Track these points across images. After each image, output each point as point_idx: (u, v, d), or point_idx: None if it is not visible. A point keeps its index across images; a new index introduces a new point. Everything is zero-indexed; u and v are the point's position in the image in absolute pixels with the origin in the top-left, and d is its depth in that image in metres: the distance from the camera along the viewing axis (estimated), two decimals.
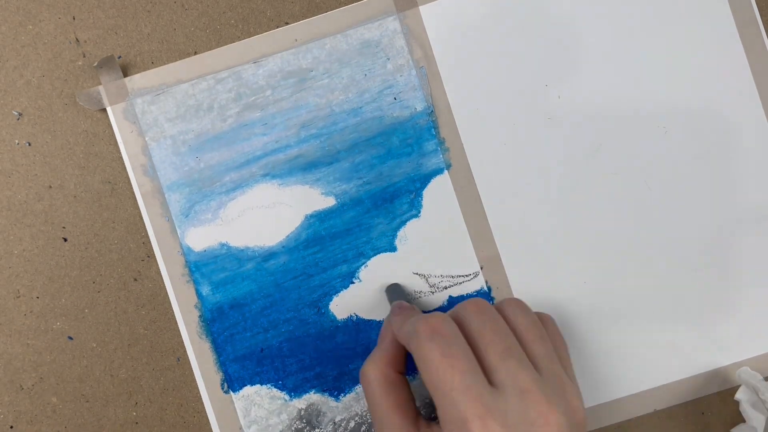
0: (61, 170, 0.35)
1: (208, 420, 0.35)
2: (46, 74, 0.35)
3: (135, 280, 0.36)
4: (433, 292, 0.35)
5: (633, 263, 0.36)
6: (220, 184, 0.35)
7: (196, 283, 0.35)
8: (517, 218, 0.36)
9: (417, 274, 0.36)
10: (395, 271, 0.35)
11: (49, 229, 0.35)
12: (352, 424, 0.35)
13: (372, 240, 0.35)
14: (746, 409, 0.34)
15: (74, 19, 0.35)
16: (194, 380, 0.36)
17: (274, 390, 0.35)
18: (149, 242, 0.35)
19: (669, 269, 0.36)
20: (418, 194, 0.36)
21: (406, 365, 0.31)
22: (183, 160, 0.35)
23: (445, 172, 0.36)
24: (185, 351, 0.35)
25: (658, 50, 0.36)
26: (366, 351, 0.35)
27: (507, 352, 0.26)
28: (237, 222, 0.35)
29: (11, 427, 0.36)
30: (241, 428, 0.35)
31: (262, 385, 0.35)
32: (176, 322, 0.35)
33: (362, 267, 0.35)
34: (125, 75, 0.35)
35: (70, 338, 0.35)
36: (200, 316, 0.35)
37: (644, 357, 0.36)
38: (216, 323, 0.35)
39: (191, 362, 0.35)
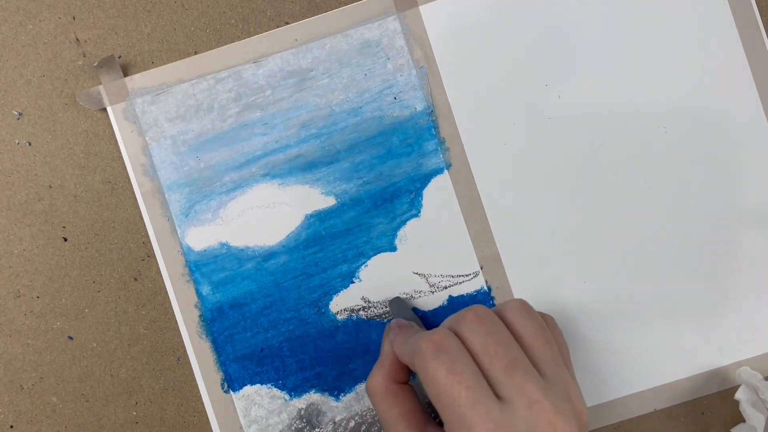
0: (61, 170, 0.35)
1: (208, 420, 0.35)
2: (46, 74, 0.35)
3: (135, 279, 0.36)
4: (433, 292, 0.35)
5: (633, 263, 0.36)
6: (220, 183, 0.35)
7: (196, 282, 0.35)
8: (517, 218, 0.36)
9: (417, 274, 0.36)
10: (395, 271, 0.35)
11: (49, 229, 0.35)
12: (352, 423, 0.35)
13: (372, 240, 0.35)
14: (746, 408, 0.34)
15: (74, 19, 0.35)
16: (194, 380, 0.36)
17: (274, 390, 0.35)
18: (149, 242, 0.35)
19: (669, 269, 0.36)
20: (418, 194, 0.36)
21: (409, 374, 0.31)
22: (183, 160, 0.35)
23: (445, 172, 0.36)
24: (185, 351, 0.35)
25: (658, 50, 0.36)
26: (366, 351, 0.35)
27: (512, 365, 0.26)
28: (237, 222, 0.35)
29: (11, 426, 0.36)
30: (241, 428, 0.35)
31: (262, 384, 0.35)
32: (176, 322, 0.35)
33: (362, 267, 0.35)
34: (125, 75, 0.35)
35: (70, 338, 0.35)
36: (200, 316, 0.35)
37: (644, 357, 0.36)
38: (216, 323, 0.35)
39: (191, 362, 0.35)
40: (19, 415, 0.35)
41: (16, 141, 0.35)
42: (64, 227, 0.35)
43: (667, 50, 0.36)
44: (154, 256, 0.35)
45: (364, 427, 0.35)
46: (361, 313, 0.35)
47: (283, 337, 0.35)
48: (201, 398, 0.36)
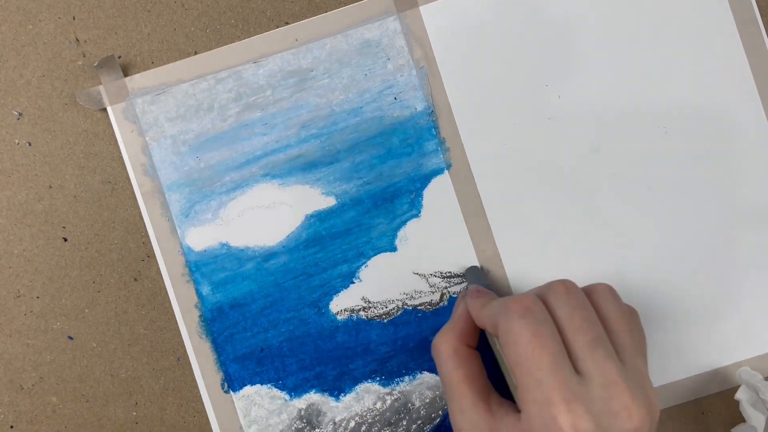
0: (61, 170, 0.35)
1: (208, 420, 0.35)
2: (46, 74, 0.35)
3: (135, 280, 0.36)
4: (433, 292, 0.35)
5: (633, 263, 0.36)
6: (220, 183, 0.35)
7: (196, 283, 0.35)
8: (517, 218, 0.36)
9: (417, 274, 0.36)
10: (395, 271, 0.35)
11: (49, 229, 0.35)
12: (352, 424, 0.35)
13: (372, 240, 0.35)
14: (746, 408, 0.34)
15: (74, 19, 0.35)
16: (194, 380, 0.36)
17: (274, 390, 0.35)
18: (149, 242, 0.35)
19: (669, 269, 0.36)
20: (419, 194, 0.36)
21: (478, 340, 0.31)
22: (183, 160, 0.35)
23: (445, 172, 0.36)
24: (185, 351, 0.35)
25: (658, 50, 0.36)
26: (366, 351, 0.35)
27: (595, 341, 0.26)
28: (237, 222, 0.35)
29: (11, 427, 0.35)
30: (241, 428, 0.35)
31: (262, 384, 0.35)
32: (176, 322, 0.35)
33: (362, 267, 0.35)
34: (125, 75, 0.35)
35: (70, 338, 0.35)
36: (200, 316, 0.35)
37: None
38: (216, 323, 0.35)
39: (191, 362, 0.35)
40: (19, 415, 0.35)
41: (16, 141, 0.35)
42: (64, 227, 0.35)
43: (667, 50, 0.36)
44: (154, 256, 0.35)
45: (364, 428, 0.35)
46: (361, 313, 0.35)
47: (283, 337, 0.35)
48: (201, 398, 0.36)
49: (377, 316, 0.35)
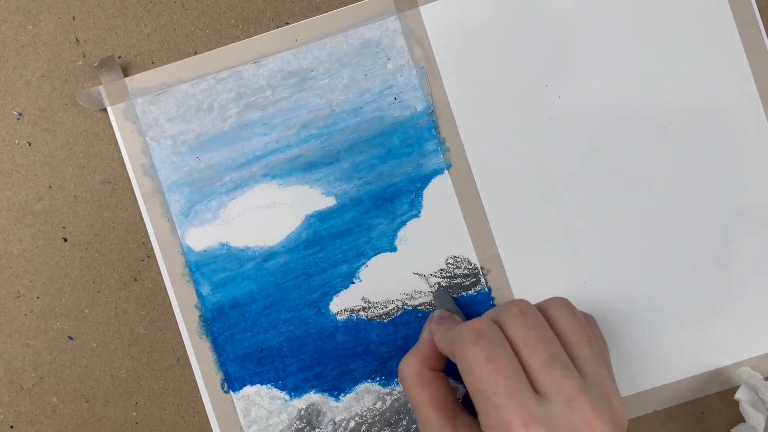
0: (61, 170, 0.35)
1: (208, 420, 0.35)
2: (46, 74, 0.35)
3: (135, 280, 0.36)
4: (433, 292, 0.35)
5: (633, 263, 0.36)
6: (220, 184, 0.35)
7: (196, 283, 0.35)
8: (517, 218, 0.36)
9: (417, 274, 0.36)
10: (395, 271, 0.35)
11: (49, 229, 0.35)
12: (352, 424, 0.35)
13: (372, 240, 0.35)
14: (746, 408, 0.34)
15: (74, 19, 0.35)
16: (194, 380, 0.36)
17: (274, 390, 0.35)
18: (149, 242, 0.35)
19: (669, 269, 0.36)
20: (418, 194, 0.36)
21: (444, 365, 0.31)
22: (183, 160, 0.35)
23: (445, 172, 0.36)
24: (185, 351, 0.35)
25: (658, 50, 0.36)
26: (366, 351, 0.35)
27: (552, 359, 0.26)
28: (237, 222, 0.35)
29: (11, 427, 0.35)
30: (241, 428, 0.35)
31: (262, 385, 0.35)
32: (176, 322, 0.35)
33: (362, 267, 0.35)
34: (125, 75, 0.35)
35: (70, 338, 0.35)
36: (200, 316, 0.35)
37: (644, 357, 0.36)
38: (216, 323, 0.35)
39: (191, 362, 0.35)
40: (19, 416, 0.35)
41: (16, 141, 0.35)
42: (64, 227, 0.35)
43: (667, 50, 0.36)
44: (154, 257, 0.35)
45: (364, 428, 0.35)
46: (361, 313, 0.35)
47: (283, 337, 0.35)
48: (201, 398, 0.36)
49: (377, 316, 0.35)
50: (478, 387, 0.25)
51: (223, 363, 0.35)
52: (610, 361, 0.30)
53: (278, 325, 0.35)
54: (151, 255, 0.36)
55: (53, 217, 0.35)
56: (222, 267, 0.35)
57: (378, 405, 0.35)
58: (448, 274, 0.36)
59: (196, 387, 0.36)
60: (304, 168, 0.35)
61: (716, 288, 0.36)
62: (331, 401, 0.35)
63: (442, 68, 0.36)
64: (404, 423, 0.35)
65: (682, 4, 0.36)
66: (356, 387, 0.35)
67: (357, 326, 0.35)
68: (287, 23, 0.36)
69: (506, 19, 0.36)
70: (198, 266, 0.35)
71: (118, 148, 0.35)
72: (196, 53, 0.35)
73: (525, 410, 0.24)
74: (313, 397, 0.35)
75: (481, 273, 0.36)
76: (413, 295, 0.35)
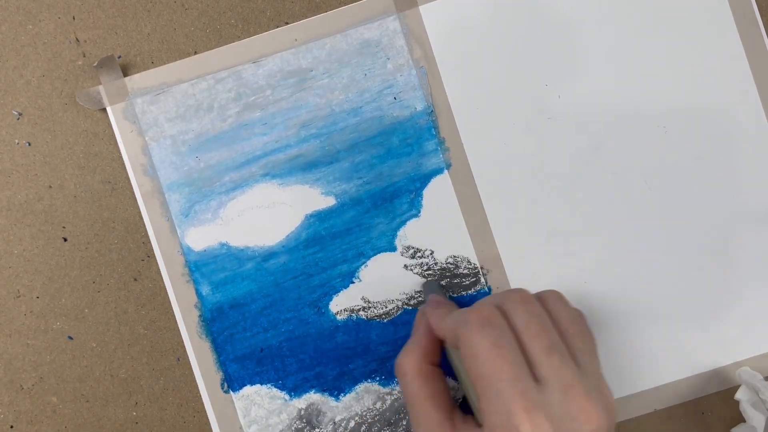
0: (61, 170, 0.35)
1: (208, 420, 0.35)
2: (46, 74, 0.35)
3: (135, 280, 0.36)
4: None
5: (633, 263, 0.36)
6: (220, 183, 0.35)
7: (196, 282, 0.35)
8: (517, 218, 0.36)
9: (417, 274, 0.36)
10: (395, 271, 0.35)
11: (49, 229, 0.35)
12: (352, 424, 0.35)
13: (372, 240, 0.35)
14: (746, 408, 0.34)
15: (74, 19, 0.35)
16: (194, 380, 0.36)
17: (274, 390, 0.35)
18: (149, 242, 0.35)
19: (669, 269, 0.36)
20: (418, 194, 0.36)
21: (441, 357, 0.31)
22: (183, 160, 0.35)
23: (445, 171, 0.36)
24: (185, 351, 0.35)
25: (658, 50, 0.36)
26: (366, 351, 0.35)
27: (551, 347, 0.26)
28: (237, 222, 0.35)
29: (11, 427, 0.36)
30: (241, 428, 0.35)
31: (262, 384, 0.35)
32: (176, 322, 0.35)
33: (362, 267, 0.35)
34: (125, 75, 0.35)
35: (70, 338, 0.35)
36: (200, 316, 0.35)
37: (644, 357, 0.36)
38: (216, 323, 0.35)
39: (191, 362, 0.35)
40: (19, 415, 0.35)
41: (16, 141, 0.35)
42: (64, 227, 0.35)
43: (667, 50, 0.36)
44: (154, 256, 0.35)
45: (364, 428, 0.35)
46: (361, 313, 0.35)
47: (283, 337, 0.35)
48: (201, 398, 0.36)
49: (377, 316, 0.35)
50: (483, 372, 0.26)
51: (223, 363, 0.35)
52: (599, 357, 0.30)
53: (278, 325, 0.35)
54: (150, 255, 0.36)
55: (53, 217, 0.35)
56: (222, 267, 0.35)
57: (378, 405, 0.35)
58: (448, 274, 0.36)
59: (196, 387, 0.36)
60: (303, 168, 0.35)
61: (716, 288, 0.36)
62: (331, 401, 0.35)
63: (442, 68, 0.36)
64: (404, 423, 0.35)
65: (682, 4, 0.36)
66: (356, 387, 0.35)
67: (357, 326, 0.35)
68: (287, 23, 0.36)
69: (506, 19, 0.36)
70: (198, 266, 0.35)
71: (118, 148, 0.35)
72: (196, 53, 0.35)
73: (527, 397, 0.25)
74: (313, 396, 0.35)
75: (481, 273, 0.36)
76: (413, 295, 0.35)
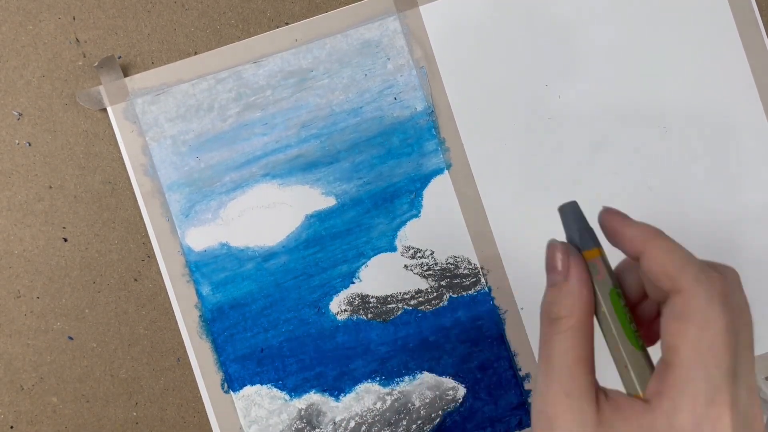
0: (61, 170, 0.35)
1: (208, 420, 0.35)
2: (46, 74, 0.35)
3: (135, 280, 0.36)
4: (432, 292, 0.35)
5: None
6: (220, 184, 0.35)
7: (196, 283, 0.35)
8: (517, 218, 0.36)
9: (417, 274, 0.36)
10: (395, 271, 0.35)
11: (49, 229, 0.35)
12: (352, 424, 0.35)
13: (372, 240, 0.35)
14: None
15: (74, 19, 0.35)
16: (194, 380, 0.36)
17: (275, 390, 0.35)
18: (149, 242, 0.35)
19: None
20: (418, 194, 0.36)
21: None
22: (183, 160, 0.35)
23: (445, 172, 0.36)
24: (185, 351, 0.35)
25: (658, 50, 0.36)
26: (366, 351, 0.35)
27: (752, 344, 0.24)
28: (237, 222, 0.35)
29: (11, 427, 0.35)
30: (241, 428, 0.35)
31: (262, 385, 0.35)
32: (176, 322, 0.35)
33: (362, 267, 0.35)
34: (125, 75, 0.35)
35: (71, 338, 0.35)
36: (200, 316, 0.35)
37: None
38: (216, 323, 0.35)
39: (191, 362, 0.35)
40: (19, 416, 0.35)
41: (16, 141, 0.35)
42: (64, 228, 0.35)
43: (667, 50, 0.36)
44: (154, 257, 0.35)
45: (364, 428, 0.35)
46: (361, 313, 0.35)
47: (283, 337, 0.35)
48: (201, 398, 0.36)
49: (377, 316, 0.35)
50: (702, 348, 0.22)
51: (223, 363, 0.35)
52: None
53: (278, 325, 0.35)
54: (151, 255, 0.35)
55: (53, 218, 0.35)
56: (222, 267, 0.35)
57: (378, 405, 0.35)
58: (448, 275, 0.36)
59: (196, 387, 0.36)
60: (304, 168, 0.35)
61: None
62: (331, 401, 0.35)
63: (442, 68, 0.36)
64: (404, 423, 0.35)
65: (682, 4, 0.36)
66: (356, 387, 0.35)
67: (357, 326, 0.35)
68: (287, 23, 0.36)
69: (506, 20, 0.36)
70: (198, 266, 0.35)
71: (118, 148, 0.35)
72: (196, 53, 0.35)
73: (732, 393, 0.22)
74: (313, 397, 0.35)
75: (481, 273, 0.36)
76: (413, 295, 0.35)
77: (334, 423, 0.35)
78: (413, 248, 0.36)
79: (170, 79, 0.35)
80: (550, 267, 0.26)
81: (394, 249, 0.35)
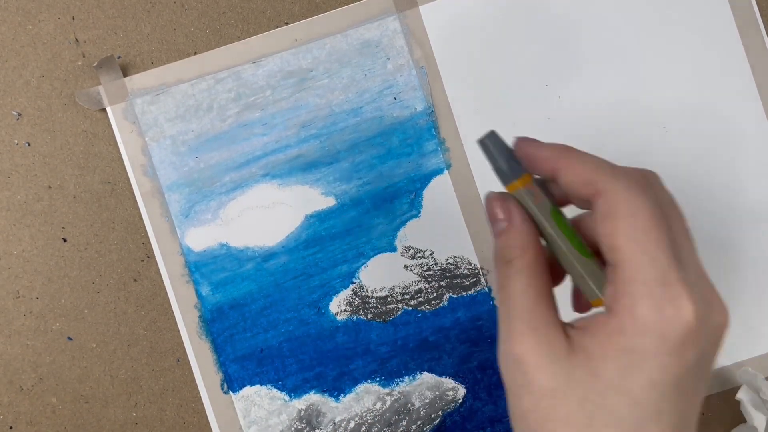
0: (60, 170, 0.35)
1: (208, 420, 0.35)
2: (45, 74, 0.35)
3: (135, 280, 0.36)
4: (432, 292, 0.35)
5: None
6: (220, 184, 0.35)
7: (195, 283, 0.35)
8: None
9: (417, 274, 0.35)
10: (395, 271, 0.35)
11: (49, 230, 0.35)
12: (352, 424, 0.35)
13: (372, 240, 0.35)
14: (748, 409, 0.34)
15: (74, 19, 0.35)
16: (194, 380, 0.35)
17: (274, 390, 0.35)
18: (149, 242, 0.35)
19: None
20: (418, 194, 0.35)
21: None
22: (183, 160, 0.35)
23: (445, 172, 0.36)
24: (185, 351, 0.35)
25: (658, 50, 0.36)
26: (366, 351, 0.35)
27: (689, 231, 0.24)
28: (237, 222, 0.35)
29: (11, 427, 0.35)
30: (241, 428, 0.35)
31: (262, 385, 0.35)
32: (176, 323, 0.35)
33: (362, 267, 0.35)
34: (125, 75, 0.35)
35: (70, 339, 0.35)
36: (200, 317, 0.35)
37: None
38: (216, 323, 0.35)
39: (191, 362, 0.35)
40: (19, 416, 0.35)
41: (16, 141, 0.35)
42: (63, 228, 0.35)
43: (667, 50, 0.36)
44: (154, 257, 0.35)
45: (364, 428, 0.35)
46: (361, 313, 0.35)
47: (283, 337, 0.35)
48: (201, 399, 0.35)
49: (377, 316, 0.35)
50: (638, 236, 0.22)
51: (222, 363, 0.35)
52: None
53: (278, 326, 0.35)
54: (150, 255, 0.35)
55: (53, 218, 0.35)
56: (222, 267, 0.35)
57: (378, 405, 0.35)
58: (448, 275, 0.35)
59: (195, 387, 0.36)
60: (303, 168, 0.35)
61: (716, 287, 0.36)
62: (330, 402, 0.35)
63: (442, 68, 0.36)
64: (404, 423, 0.35)
65: (683, 4, 0.36)
66: (356, 387, 0.35)
67: (357, 326, 0.35)
68: (287, 23, 0.36)
69: (506, 20, 0.36)
70: (198, 266, 0.35)
71: (118, 148, 0.35)
72: (195, 53, 0.35)
73: (681, 270, 0.22)
74: (312, 397, 0.35)
75: (481, 273, 0.36)
76: (413, 295, 0.35)
77: (334, 423, 0.35)
78: (413, 248, 0.36)
79: (170, 79, 0.35)
80: (492, 217, 0.25)
81: (394, 249, 0.35)
